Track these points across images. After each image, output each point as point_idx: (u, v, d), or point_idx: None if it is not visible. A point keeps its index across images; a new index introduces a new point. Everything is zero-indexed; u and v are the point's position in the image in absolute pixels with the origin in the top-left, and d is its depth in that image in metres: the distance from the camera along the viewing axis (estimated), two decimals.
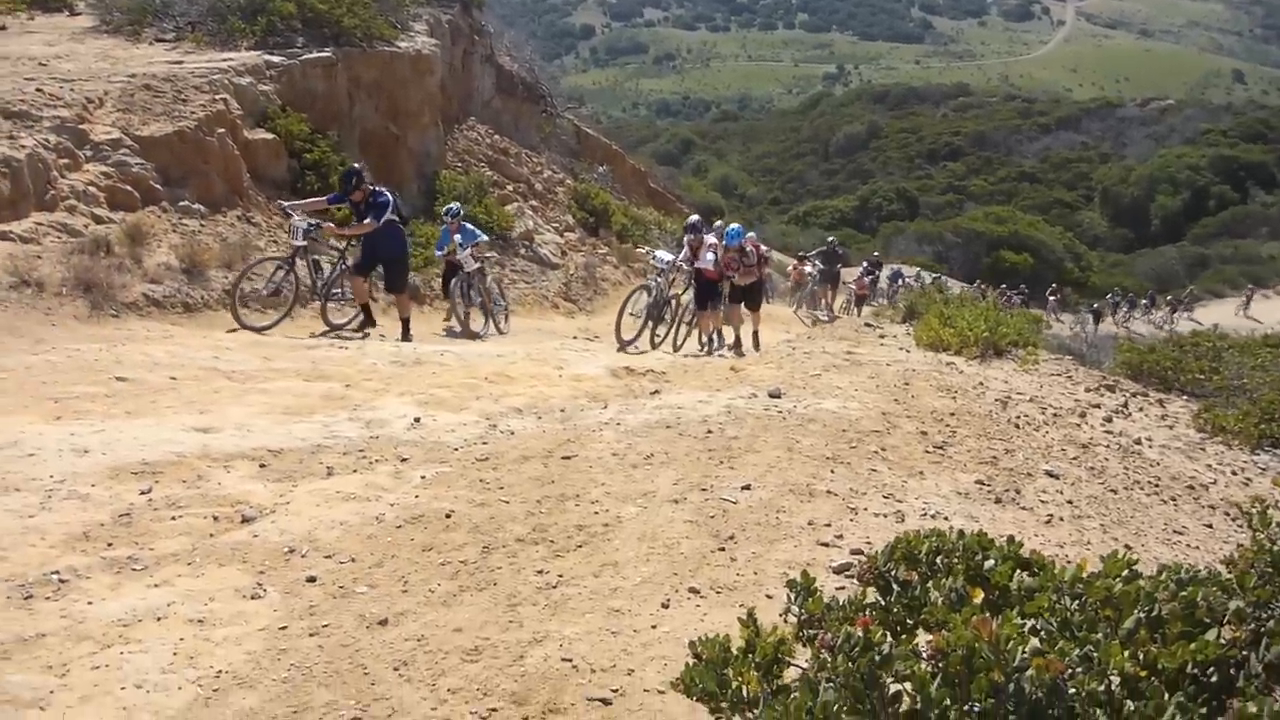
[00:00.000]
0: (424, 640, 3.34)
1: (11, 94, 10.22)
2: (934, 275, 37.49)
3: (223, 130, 12.00)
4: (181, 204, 11.05)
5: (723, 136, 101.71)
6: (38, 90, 10.52)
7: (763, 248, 14.21)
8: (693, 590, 3.76)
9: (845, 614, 2.00)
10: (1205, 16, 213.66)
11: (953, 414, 7.00)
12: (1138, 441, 7.14)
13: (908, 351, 10.09)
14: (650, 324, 12.11)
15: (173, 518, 4.29)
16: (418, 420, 6.24)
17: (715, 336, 12.95)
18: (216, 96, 12.26)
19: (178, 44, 14.51)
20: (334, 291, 10.99)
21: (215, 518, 4.34)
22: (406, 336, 11.08)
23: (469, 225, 13.09)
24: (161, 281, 9.61)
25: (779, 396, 7.20)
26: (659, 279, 12.30)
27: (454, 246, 12.61)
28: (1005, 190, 73.30)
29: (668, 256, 12.71)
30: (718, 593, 3.77)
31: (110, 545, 3.97)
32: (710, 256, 12.26)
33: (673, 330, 12.76)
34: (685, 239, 12.94)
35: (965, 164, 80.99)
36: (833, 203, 70.75)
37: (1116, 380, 9.76)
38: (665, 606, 3.63)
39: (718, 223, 16.81)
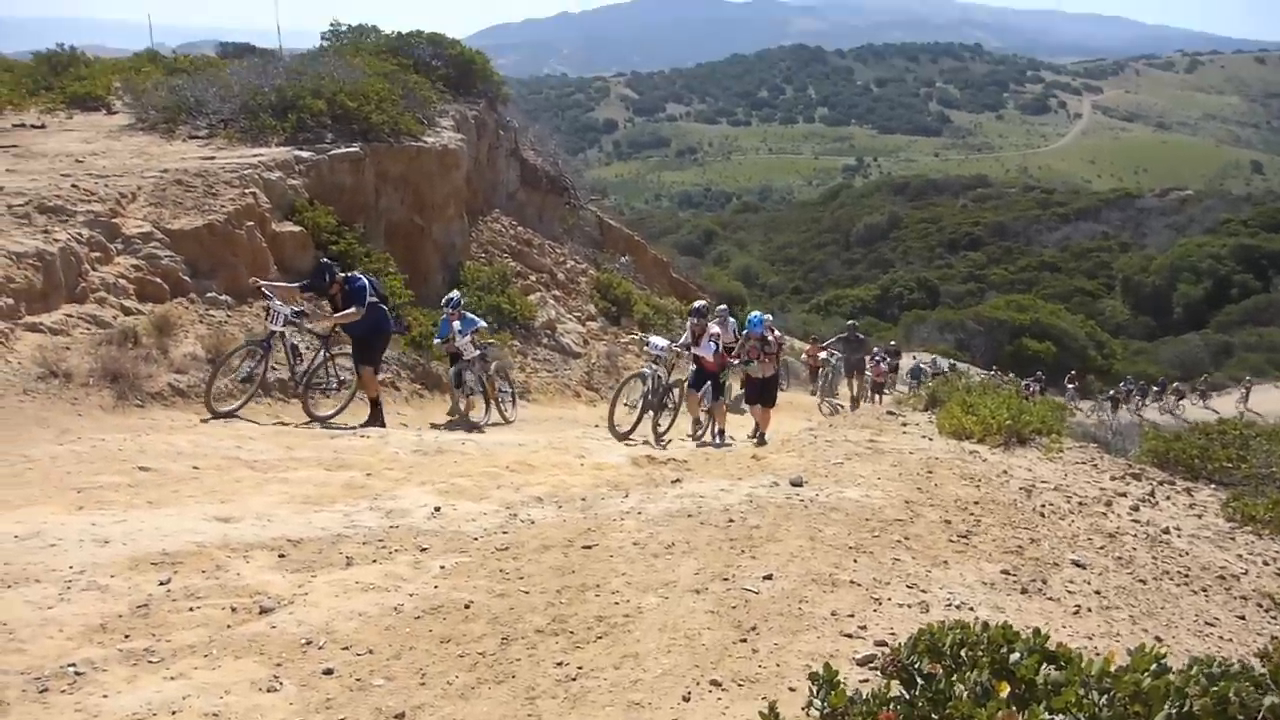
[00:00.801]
0: None
1: (48, 189, 10.51)
2: (950, 362, 37.19)
3: (251, 223, 12.26)
4: (209, 295, 11.24)
5: (744, 227, 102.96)
6: (73, 186, 10.81)
7: (777, 332, 13.91)
8: (714, 683, 3.68)
9: (868, 708, 1.96)
10: (1222, 109, 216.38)
11: (977, 502, 6.91)
12: (1166, 530, 7.01)
13: (930, 439, 9.99)
14: (652, 413, 11.59)
15: (191, 609, 4.27)
16: (438, 509, 6.23)
17: (707, 424, 12.51)
18: (246, 190, 12.56)
19: (210, 140, 14.94)
20: (316, 381, 10.62)
21: (233, 609, 4.32)
22: (376, 419, 10.68)
23: (468, 314, 12.85)
24: (187, 371, 9.72)
25: (801, 485, 7.14)
26: (654, 366, 11.77)
27: (454, 334, 12.40)
28: (1026, 279, 73.45)
29: (662, 342, 12.11)
30: (740, 685, 3.69)
31: (128, 637, 3.95)
32: (711, 346, 11.77)
33: (675, 417, 12.37)
34: (688, 322, 12.36)
35: (985, 253, 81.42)
36: (854, 292, 71.12)
37: (1142, 468, 9.62)
38: (686, 699, 3.56)
39: (721, 307, 16.56)
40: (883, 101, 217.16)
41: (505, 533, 5.77)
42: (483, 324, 13.02)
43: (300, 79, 16.45)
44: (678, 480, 7.55)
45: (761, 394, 12.68)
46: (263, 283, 10.50)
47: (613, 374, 18.10)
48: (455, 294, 12.93)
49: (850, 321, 25.25)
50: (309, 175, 14.37)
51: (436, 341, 13.14)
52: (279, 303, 10.13)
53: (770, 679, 3.74)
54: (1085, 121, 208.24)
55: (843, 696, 1.97)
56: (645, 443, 10.72)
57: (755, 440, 11.93)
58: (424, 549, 5.36)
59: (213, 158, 13.60)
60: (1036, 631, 2.05)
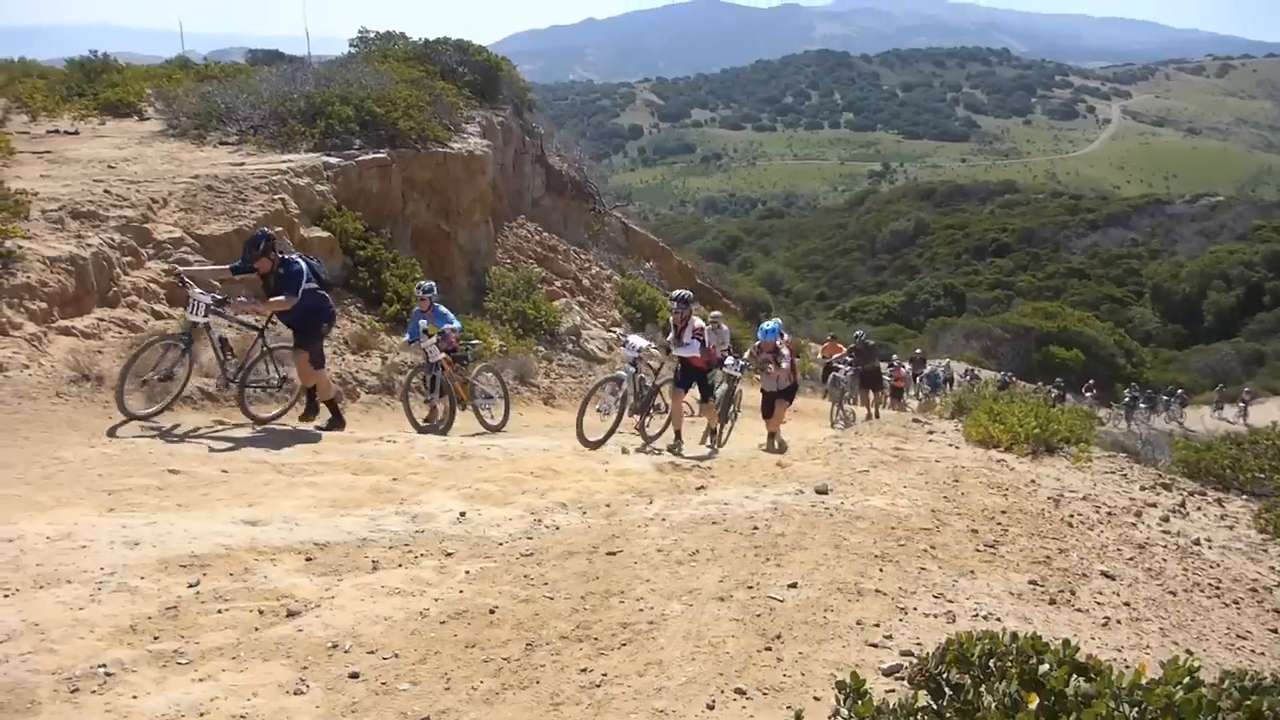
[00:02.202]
0: None
1: (81, 195, 10.64)
2: (966, 368, 36.93)
3: (281, 229, 12.35)
4: (238, 300, 11.32)
5: (769, 233, 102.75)
6: (105, 191, 10.95)
7: (788, 337, 13.19)
8: (739, 691, 3.68)
9: (896, 718, 1.94)
10: (1253, 114, 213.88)
11: (1004, 512, 6.87)
12: (1197, 542, 6.93)
13: (957, 448, 9.93)
14: (638, 417, 10.83)
15: (219, 611, 4.31)
16: (463, 514, 6.25)
17: (711, 427, 11.43)
18: (275, 196, 12.67)
19: (240, 146, 15.09)
20: (254, 379, 9.38)
21: (261, 611, 4.35)
22: (337, 421, 9.56)
23: (442, 308, 11.55)
24: (215, 375, 9.80)
25: (826, 493, 7.12)
26: (632, 368, 10.66)
27: (433, 328, 11.07)
28: (1054, 286, 72.83)
29: (641, 342, 11.01)
30: (764, 694, 3.68)
31: (157, 638, 3.98)
32: (695, 344, 10.62)
33: (668, 420, 11.14)
34: (671, 311, 11.14)
35: (1013, 260, 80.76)
36: (880, 298, 70.76)
37: (1173, 478, 9.54)
38: (711, 708, 3.55)
39: (714, 314, 15.71)
40: (909, 106, 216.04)
41: (530, 538, 5.78)
42: (457, 324, 11.72)
43: (328, 86, 16.61)
44: (702, 487, 7.54)
45: (775, 408, 12.25)
46: (183, 269, 9.23)
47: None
48: (428, 283, 11.77)
49: (858, 332, 23.13)
50: (337, 181, 14.49)
51: (404, 339, 11.82)
52: (198, 290, 8.77)
53: (795, 688, 3.73)
54: (1114, 126, 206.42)
55: (870, 706, 1.95)
56: (625, 450, 9.84)
57: (767, 447, 11.68)
58: (449, 554, 5.37)
59: (242, 164, 13.73)
60: (1066, 643, 2.03)
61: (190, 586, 4.54)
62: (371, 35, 24.05)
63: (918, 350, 34.06)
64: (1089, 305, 65.48)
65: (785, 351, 12.24)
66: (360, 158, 15.16)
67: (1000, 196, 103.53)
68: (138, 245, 10.60)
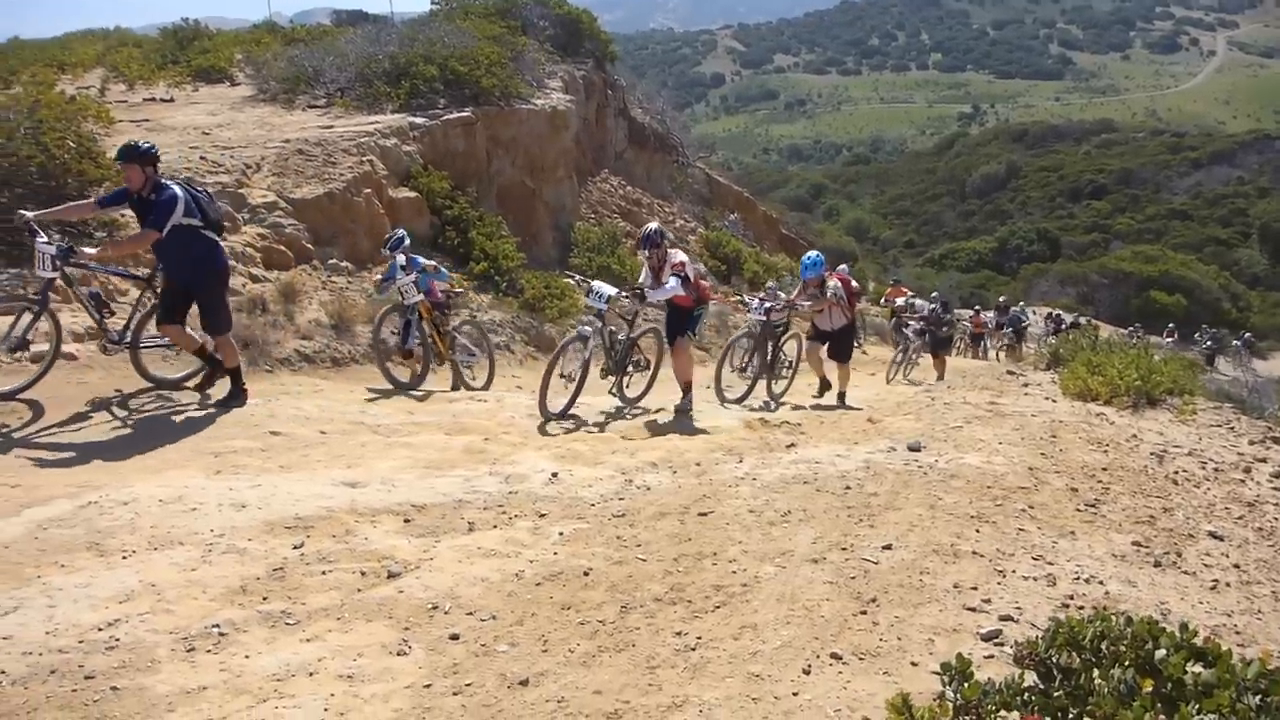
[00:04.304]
0: (564, 702, 3.35)
1: (178, 162, 10.91)
2: (1054, 312, 35.77)
3: (369, 190, 12.53)
4: (331, 262, 11.56)
5: (855, 180, 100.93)
6: (201, 158, 11.22)
7: (854, 284, 12.22)
8: (834, 656, 3.66)
9: (1003, 699, 1.91)
10: None
11: (1105, 469, 6.68)
12: None
13: (1054, 401, 9.66)
14: (614, 378, 9.62)
15: (323, 572, 4.44)
16: (555, 475, 6.31)
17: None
18: (364, 158, 12.84)
19: (328, 109, 15.30)
20: (149, 337, 7.83)
21: (363, 573, 4.47)
22: (236, 395, 7.81)
23: (418, 258, 10.17)
24: (312, 337, 10.03)
25: (919, 450, 7.01)
26: (598, 320, 9.15)
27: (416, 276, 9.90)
28: (1154, 228, 70.23)
29: (609, 290, 9.24)
30: (860, 659, 3.66)
31: (265, 599, 4.12)
32: (674, 281, 9.31)
33: (653, 379, 10.20)
34: (641, 256, 9.82)
35: (1110, 202, 78.04)
36: (970, 244, 69.18)
37: None
38: (806, 672, 3.54)
39: (769, 284, 14.25)
40: (1000, 45, 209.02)
41: (622, 499, 5.82)
42: (427, 262, 10.46)
43: (412, 46, 16.73)
44: (792, 445, 7.49)
45: (832, 345, 11.34)
46: (32, 215, 7.22)
47: (724, 334, 18.00)
48: (400, 231, 10.36)
49: (935, 293, 21.57)
50: (423, 141, 14.62)
51: (376, 278, 10.65)
52: (42, 240, 7.09)
53: (891, 653, 3.70)
54: (1219, 59, 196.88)
55: (976, 688, 1.92)
56: (586, 426, 8.51)
57: (817, 397, 11.06)
58: (543, 515, 5.44)
59: (331, 126, 13.93)
60: (1184, 626, 1.96)
61: (295, 548, 4.69)
62: None
63: (1002, 298, 33.19)
64: (1192, 248, 62.99)
65: (833, 282, 11.29)
66: (445, 117, 15.26)
67: (1096, 136, 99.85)
68: (234, 210, 10.84)
